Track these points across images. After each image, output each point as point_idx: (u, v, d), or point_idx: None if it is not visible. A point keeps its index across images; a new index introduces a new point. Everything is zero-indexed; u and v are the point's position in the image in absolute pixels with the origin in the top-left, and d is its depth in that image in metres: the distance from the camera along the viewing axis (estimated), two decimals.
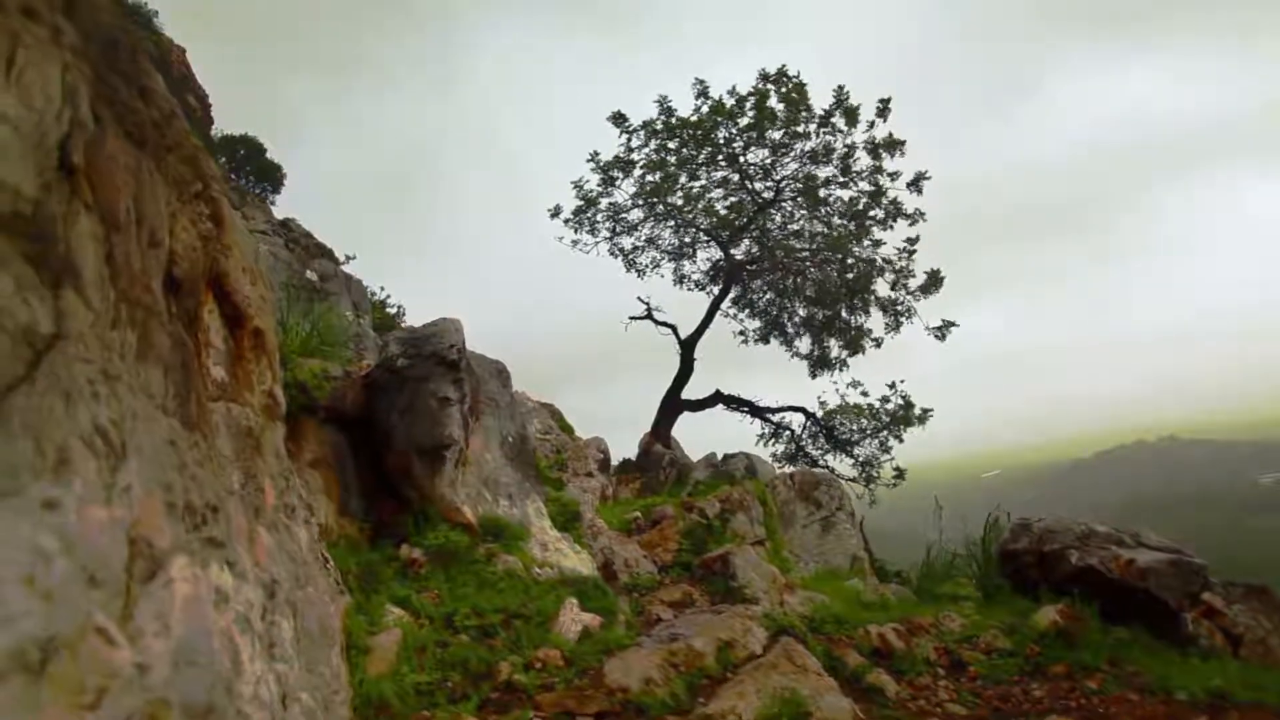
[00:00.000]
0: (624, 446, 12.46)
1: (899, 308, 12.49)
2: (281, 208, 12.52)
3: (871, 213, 12.54)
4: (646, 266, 13.45)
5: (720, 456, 11.91)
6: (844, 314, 13.04)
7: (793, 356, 13.73)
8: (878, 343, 12.97)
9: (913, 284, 12.30)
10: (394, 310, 10.81)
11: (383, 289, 10.57)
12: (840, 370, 13.29)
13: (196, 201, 2.35)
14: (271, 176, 15.13)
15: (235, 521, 1.79)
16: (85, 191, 1.51)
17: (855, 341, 12.94)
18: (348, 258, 10.05)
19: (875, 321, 12.96)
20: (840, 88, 12.07)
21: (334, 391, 4.34)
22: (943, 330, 12.34)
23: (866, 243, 12.73)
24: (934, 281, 12.21)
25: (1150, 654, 3.67)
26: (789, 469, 15.02)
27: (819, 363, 13.51)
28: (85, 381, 1.30)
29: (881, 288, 12.61)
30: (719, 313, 13.85)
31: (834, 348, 13.36)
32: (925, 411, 13.60)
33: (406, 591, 3.73)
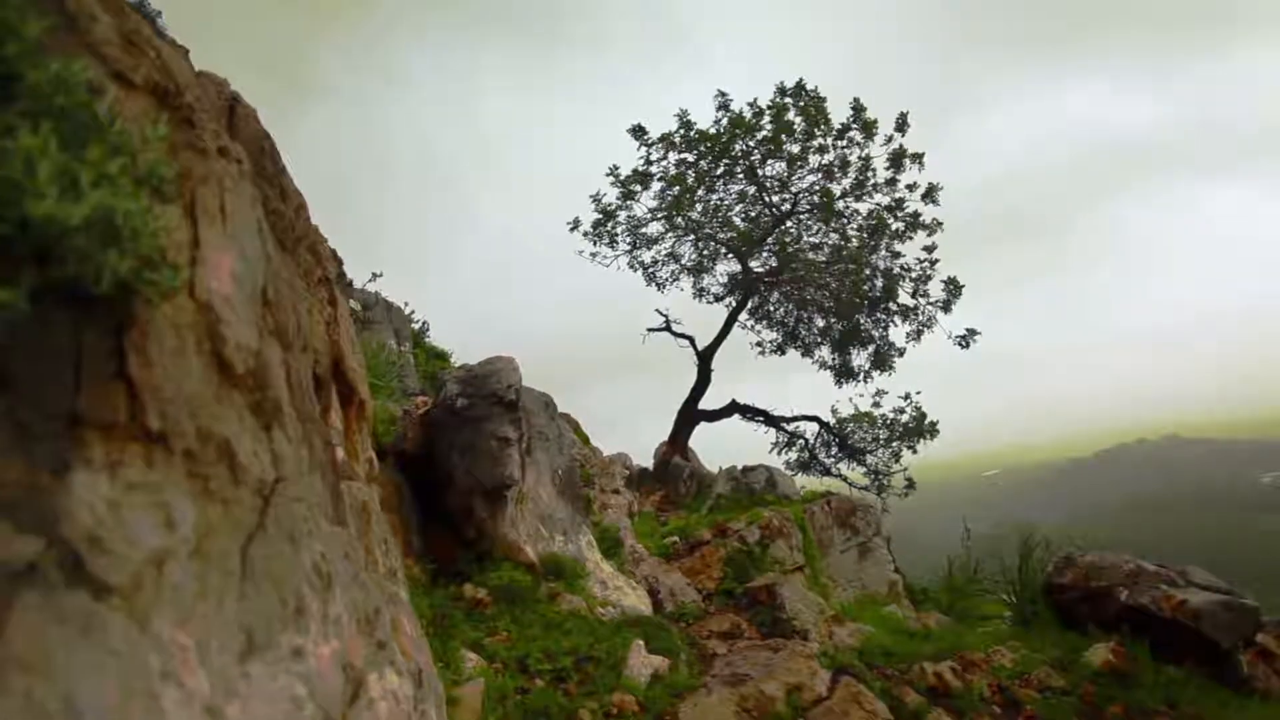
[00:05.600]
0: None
1: (920, 317, 12.60)
2: None
3: (889, 224, 12.64)
4: (666, 280, 13.53)
5: (740, 468, 12.00)
6: (862, 325, 13.14)
7: (819, 368, 13.86)
8: (900, 352, 13.09)
9: (933, 293, 12.42)
10: (418, 325, 10.85)
11: (407, 304, 10.61)
12: (866, 381, 13.43)
13: (319, 287, 2.42)
14: None
15: (385, 615, 1.87)
16: (270, 320, 1.58)
17: (883, 359, 13.06)
18: (374, 275, 10.09)
19: (896, 333, 13.08)
20: (856, 100, 12.16)
21: (397, 433, 4.42)
22: (966, 339, 12.43)
23: (884, 254, 12.82)
24: (954, 291, 12.31)
25: (1206, 695, 3.75)
26: (802, 476, 15.18)
27: (842, 372, 13.64)
28: (301, 520, 1.37)
29: (902, 297, 12.72)
30: (736, 323, 13.96)
31: (856, 357, 13.49)
32: (933, 424, 13.77)
33: (478, 634, 3.81)
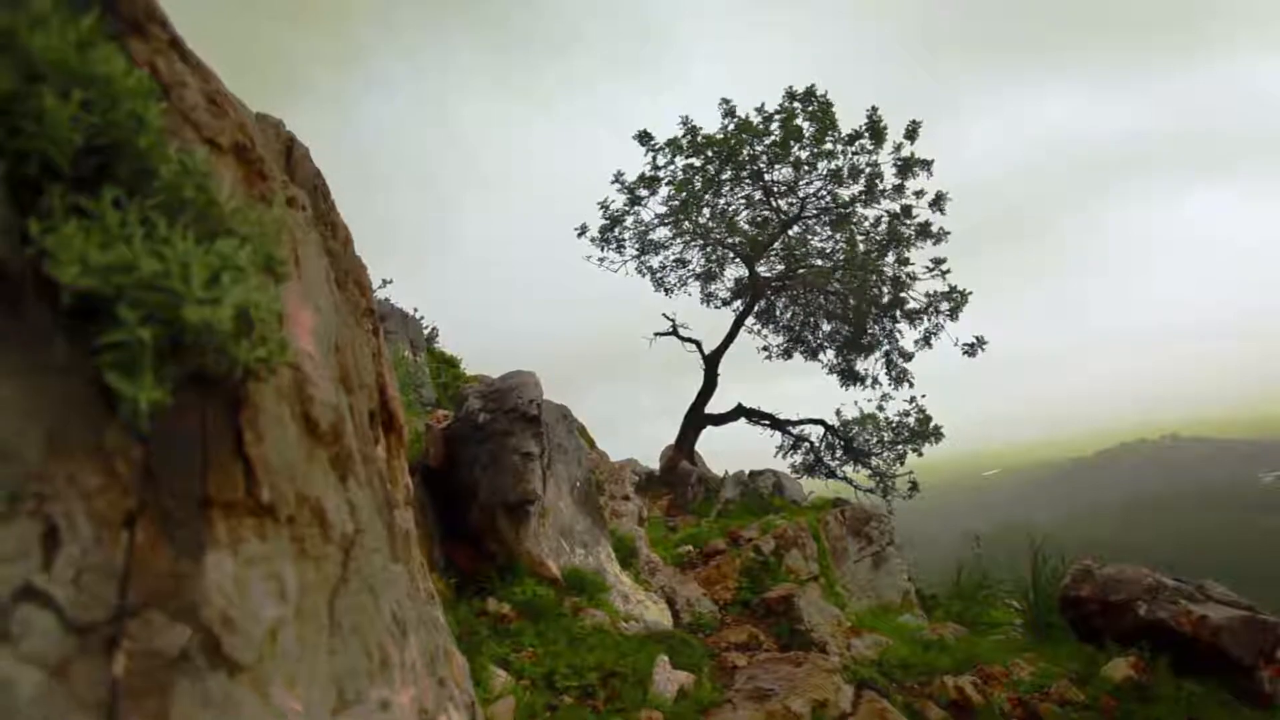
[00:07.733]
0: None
1: (928, 325, 12.65)
2: None
3: (898, 231, 12.67)
4: (674, 285, 13.57)
5: (747, 473, 12.05)
6: (870, 330, 13.19)
7: (827, 372, 13.94)
8: (909, 357, 13.15)
9: (943, 304, 12.46)
10: (427, 331, 10.89)
11: (416, 310, 10.64)
12: (874, 387, 13.50)
13: (365, 319, 2.44)
14: None
15: (442, 650, 1.90)
16: (339, 368, 1.61)
17: (900, 374, 13.14)
18: (384, 281, 10.12)
19: (904, 340, 13.16)
20: (874, 109, 12.19)
21: (420, 449, 4.45)
22: (973, 348, 12.47)
23: (892, 260, 12.87)
24: (961, 301, 12.35)
25: (1227, 711, 3.78)
26: (807, 480, 15.24)
27: (848, 376, 13.71)
28: (379, 569, 1.39)
29: (909, 304, 12.77)
30: (742, 328, 14.00)
31: (863, 362, 13.57)
32: (938, 427, 13.85)
33: (504, 650, 3.84)
